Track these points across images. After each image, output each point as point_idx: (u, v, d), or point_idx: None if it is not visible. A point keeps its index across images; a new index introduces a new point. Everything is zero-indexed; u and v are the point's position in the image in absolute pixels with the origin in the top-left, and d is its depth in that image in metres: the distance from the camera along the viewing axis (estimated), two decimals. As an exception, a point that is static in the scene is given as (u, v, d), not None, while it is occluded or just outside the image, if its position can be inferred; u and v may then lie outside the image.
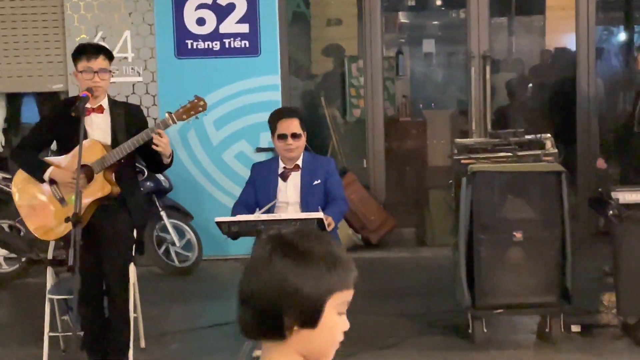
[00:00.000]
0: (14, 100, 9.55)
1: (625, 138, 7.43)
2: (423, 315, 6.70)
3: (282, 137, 5.90)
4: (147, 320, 6.21)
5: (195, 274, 8.38)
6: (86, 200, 5.22)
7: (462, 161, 6.09)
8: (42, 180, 5.37)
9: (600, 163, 7.69)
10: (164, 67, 8.79)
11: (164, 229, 8.36)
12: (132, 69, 8.79)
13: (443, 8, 13.52)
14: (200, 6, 8.71)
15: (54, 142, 5.63)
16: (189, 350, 6.14)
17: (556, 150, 6.26)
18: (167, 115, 5.38)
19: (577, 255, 6.06)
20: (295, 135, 5.90)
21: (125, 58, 8.78)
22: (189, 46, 8.76)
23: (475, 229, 5.85)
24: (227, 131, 8.82)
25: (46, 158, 5.56)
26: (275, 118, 6.01)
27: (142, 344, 6.08)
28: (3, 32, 8.88)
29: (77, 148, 5.19)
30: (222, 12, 8.72)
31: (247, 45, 8.76)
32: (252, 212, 5.82)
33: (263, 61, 8.76)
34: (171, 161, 5.50)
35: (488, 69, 9.10)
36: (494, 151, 6.25)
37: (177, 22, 8.73)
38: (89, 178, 5.28)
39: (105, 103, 5.46)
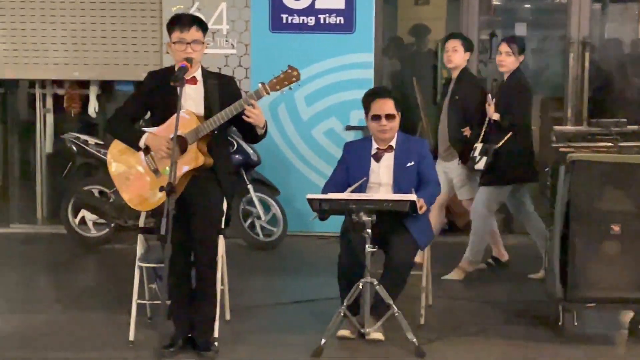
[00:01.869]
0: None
1: None
2: (510, 304, 6.60)
3: (376, 117, 5.84)
4: (232, 292, 6.21)
5: (279, 248, 8.39)
6: (180, 171, 5.22)
7: (561, 149, 5.94)
8: (137, 148, 5.37)
9: None
10: (258, 40, 8.78)
11: (251, 202, 8.38)
12: (226, 41, 8.81)
13: (538, -9, 13.23)
14: (298, -19, 8.68)
15: (148, 112, 5.62)
16: (272, 325, 6.13)
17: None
18: (260, 85, 5.34)
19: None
20: (389, 116, 5.83)
21: (220, 30, 8.78)
22: (284, 20, 8.74)
23: (571, 219, 5.69)
24: (317, 107, 8.78)
25: (142, 128, 5.56)
26: (370, 98, 5.95)
27: (227, 316, 6.09)
28: (101, 18, 9.03)
29: (171, 118, 5.20)
30: (319, -13, 8.67)
31: (342, 22, 8.70)
32: (343, 191, 5.77)
33: (357, 38, 8.70)
34: (265, 131, 5.47)
35: (587, 55, 8.89)
36: (594, 140, 6.09)
37: (273, -5, 8.71)
38: (183, 149, 5.28)
39: (198, 74, 5.44)
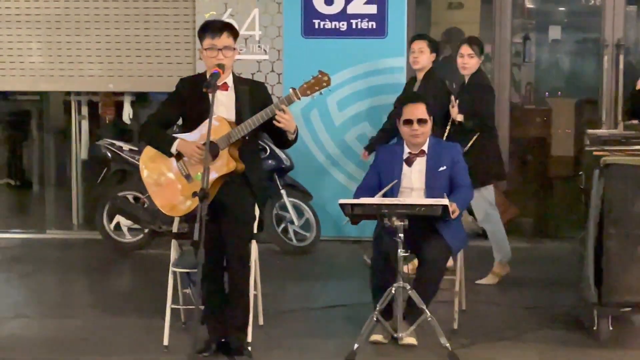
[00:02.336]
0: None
1: None
2: (544, 309, 6.54)
3: (408, 122, 5.84)
4: (265, 297, 6.23)
5: (312, 253, 8.40)
6: (212, 177, 5.24)
7: (595, 153, 5.89)
8: (170, 154, 5.40)
9: None
10: (290, 45, 8.80)
11: (284, 207, 8.40)
12: (258, 46, 8.84)
13: (572, -6, 13.15)
14: (329, -14, 8.70)
15: (180, 119, 5.65)
16: (305, 330, 6.14)
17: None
18: (291, 91, 5.35)
19: None
20: (421, 121, 5.83)
21: (253, 36, 8.82)
22: (316, 26, 8.75)
23: (606, 223, 5.64)
24: (350, 112, 8.79)
25: (174, 135, 5.59)
26: (401, 103, 5.96)
27: (261, 321, 6.10)
28: (135, 30, 9.12)
29: (203, 124, 5.23)
30: (351, -8, 8.68)
31: (374, 27, 8.71)
32: (374, 195, 5.78)
33: (389, 43, 8.69)
34: (296, 137, 5.48)
35: (622, 58, 8.82)
36: (629, 144, 6.04)
37: (306, 1, 8.75)
38: (214, 154, 5.30)
39: (229, 80, 5.47)
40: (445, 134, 7.15)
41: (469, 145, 7.04)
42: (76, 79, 9.23)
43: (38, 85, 9.37)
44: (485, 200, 7.24)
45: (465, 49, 7.24)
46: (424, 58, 7.42)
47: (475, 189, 7.02)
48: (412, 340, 5.63)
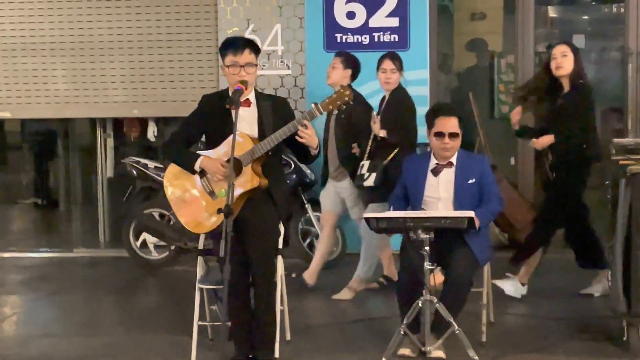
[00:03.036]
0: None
1: None
2: (573, 320, 6.50)
3: (440, 135, 5.81)
4: (292, 312, 6.23)
5: (338, 268, 8.37)
6: (236, 193, 5.24)
7: (621, 162, 5.85)
8: (193, 172, 5.42)
9: None
10: (313, 60, 8.82)
11: (309, 222, 8.39)
12: (281, 61, 8.86)
13: (594, 2, 13.09)
14: (351, 0, 8.69)
15: (203, 135, 5.66)
16: (333, 345, 6.13)
17: None
18: (313, 106, 5.34)
19: None
20: (452, 135, 5.81)
21: (275, 51, 8.84)
22: (338, 40, 8.77)
23: (634, 233, 5.60)
24: (374, 125, 8.76)
25: (197, 152, 5.60)
26: (434, 114, 5.92)
27: (288, 337, 6.10)
28: (158, 55, 9.19)
29: (226, 141, 5.24)
30: (372, 6, 8.70)
31: (397, 40, 8.71)
32: (404, 205, 5.78)
33: (412, 55, 8.67)
34: (319, 152, 5.48)
35: (646, 66, 8.78)
36: (655, 152, 6.00)
37: (327, 15, 8.76)
38: (238, 170, 5.31)
39: (252, 96, 5.47)
40: (368, 150, 7.11)
41: (388, 159, 7.00)
42: (101, 105, 9.30)
43: (63, 112, 9.46)
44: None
45: (388, 64, 7.20)
46: (336, 74, 7.35)
47: (383, 201, 6.93)
48: (440, 354, 5.60)
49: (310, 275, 7.55)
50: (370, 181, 7.07)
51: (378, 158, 7.09)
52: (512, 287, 7.11)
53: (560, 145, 6.87)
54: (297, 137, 5.29)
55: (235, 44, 5.41)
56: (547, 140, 6.91)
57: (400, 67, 7.24)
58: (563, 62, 6.83)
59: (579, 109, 6.80)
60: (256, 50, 5.46)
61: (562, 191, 6.97)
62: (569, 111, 6.80)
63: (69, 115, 9.59)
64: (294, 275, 7.56)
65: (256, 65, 5.45)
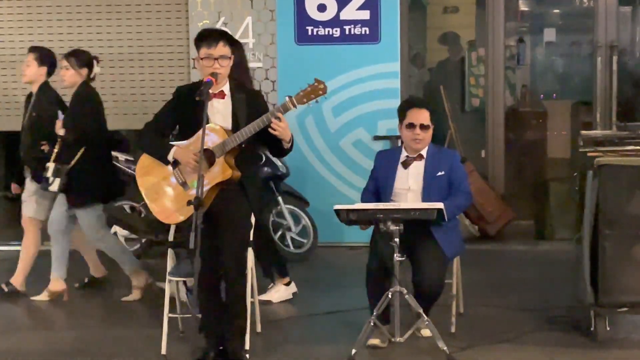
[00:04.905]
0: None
1: None
2: (542, 310, 6.55)
3: (411, 126, 5.85)
4: (263, 304, 6.23)
5: (310, 260, 8.41)
6: (208, 184, 5.25)
7: (589, 154, 5.90)
8: (166, 162, 5.41)
9: None
10: (284, 53, 8.83)
11: (280, 214, 8.41)
12: (252, 54, 8.85)
13: (565, -4, 13.20)
14: (322, -8, 8.73)
15: (177, 127, 5.65)
16: (303, 336, 6.15)
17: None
18: (287, 99, 5.35)
19: None
20: (423, 127, 5.84)
21: (246, 44, 8.84)
22: (310, 32, 8.78)
23: (601, 224, 5.65)
24: (345, 118, 8.80)
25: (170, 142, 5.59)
26: (406, 107, 5.97)
27: (258, 329, 6.11)
28: (129, 69, 9.20)
29: (199, 132, 5.23)
30: (343, -1, 8.71)
31: (368, 32, 8.73)
32: (375, 199, 5.82)
33: (383, 48, 8.71)
34: (291, 145, 5.48)
35: (615, 59, 8.85)
36: (622, 144, 6.05)
37: (298, 8, 8.77)
38: (211, 162, 5.31)
39: (226, 88, 5.47)
40: (55, 151, 6.99)
41: (73, 162, 6.92)
42: None
43: None
44: (92, 219, 7.12)
45: (63, 62, 7.09)
46: (30, 71, 7.20)
47: (83, 207, 6.97)
48: (428, 333, 5.61)
49: (17, 280, 7.38)
50: (54, 186, 6.93)
51: (64, 160, 6.95)
52: (277, 293, 7.01)
53: None
54: (270, 130, 5.30)
55: (209, 37, 5.40)
56: None
57: (76, 64, 7.04)
58: None
59: None
60: (231, 42, 5.45)
61: None
62: None
63: None
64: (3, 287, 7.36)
65: (230, 57, 5.44)
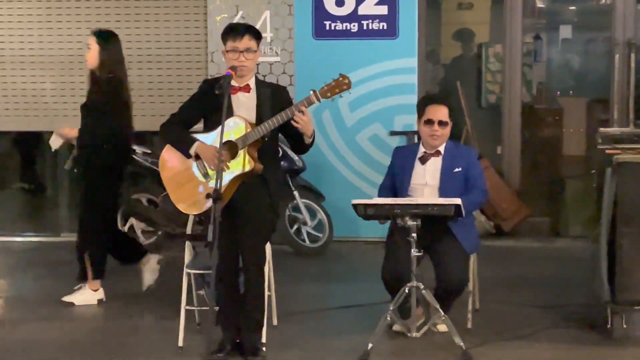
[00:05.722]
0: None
1: None
2: (557, 307, 6.55)
3: (429, 122, 5.86)
4: (279, 298, 6.26)
5: (325, 254, 8.42)
6: (229, 176, 5.27)
7: (607, 151, 5.90)
8: (188, 155, 5.44)
9: None
10: (302, 47, 8.84)
11: (297, 208, 8.43)
12: (270, 48, 8.87)
13: (582, -7, 13.16)
14: (340, -13, 8.74)
15: (201, 120, 5.67)
16: (319, 330, 6.16)
17: None
18: (311, 93, 5.37)
19: None
20: (442, 123, 5.85)
21: (264, 38, 8.82)
22: (327, 27, 8.78)
23: (619, 222, 5.65)
24: (361, 113, 8.81)
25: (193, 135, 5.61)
26: (425, 103, 5.99)
27: (275, 322, 6.13)
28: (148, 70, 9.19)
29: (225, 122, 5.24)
30: (362, -7, 8.71)
31: (385, 28, 8.73)
32: (395, 196, 5.83)
33: (400, 44, 8.71)
34: (312, 141, 5.50)
35: (633, 56, 8.83)
36: (642, 142, 6.05)
37: (316, 2, 8.78)
38: (233, 154, 5.33)
39: (252, 82, 5.50)
40: None
41: None
42: None
43: (52, 125, 9.33)
44: None
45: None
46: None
47: None
48: (444, 328, 5.64)
49: None
50: None
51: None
52: (82, 295, 6.88)
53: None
54: (292, 123, 5.32)
55: (235, 30, 5.45)
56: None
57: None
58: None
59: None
60: (257, 36, 5.49)
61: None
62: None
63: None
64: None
65: (256, 51, 5.47)
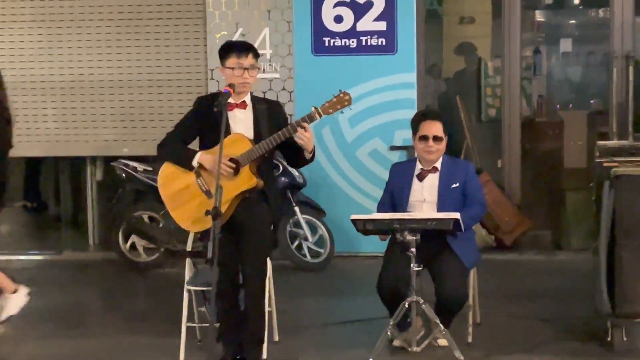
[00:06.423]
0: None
1: None
2: (559, 320, 6.55)
3: (424, 138, 5.88)
4: (280, 314, 6.27)
5: (327, 270, 8.43)
6: (233, 193, 5.30)
7: (605, 164, 5.92)
8: (191, 168, 5.45)
9: None
10: (301, 64, 8.87)
11: (297, 224, 8.44)
12: (269, 65, 8.91)
13: (581, 7, 13.20)
14: (338, 4, 8.77)
15: (197, 138, 5.69)
16: (320, 346, 6.17)
17: None
18: (313, 109, 5.41)
19: None
20: (436, 138, 5.87)
21: (263, 55, 8.88)
22: (326, 43, 8.82)
23: (618, 234, 5.67)
24: (361, 128, 8.83)
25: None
26: (419, 119, 6.01)
27: (276, 338, 6.14)
28: (148, 95, 9.22)
29: (224, 141, 5.27)
30: (360, 10, 8.75)
31: (384, 43, 8.76)
32: (394, 212, 5.84)
33: (399, 59, 8.74)
34: (312, 157, 5.53)
35: (631, 69, 8.85)
36: (639, 154, 6.05)
37: (315, 19, 8.81)
38: (236, 170, 5.36)
39: (247, 98, 5.54)
40: None
41: None
42: (91, 144, 9.29)
43: (53, 151, 9.44)
44: None
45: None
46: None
47: None
48: (445, 342, 5.64)
49: None
50: None
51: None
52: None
53: None
54: (296, 139, 5.35)
55: (240, 47, 5.51)
56: None
57: None
58: None
59: None
60: (257, 54, 5.57)
61: None
62: None
63: (58, 154, 9.58)
64: None
65: (257, 68, 5.54)
